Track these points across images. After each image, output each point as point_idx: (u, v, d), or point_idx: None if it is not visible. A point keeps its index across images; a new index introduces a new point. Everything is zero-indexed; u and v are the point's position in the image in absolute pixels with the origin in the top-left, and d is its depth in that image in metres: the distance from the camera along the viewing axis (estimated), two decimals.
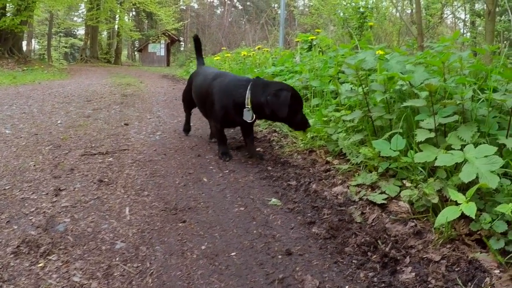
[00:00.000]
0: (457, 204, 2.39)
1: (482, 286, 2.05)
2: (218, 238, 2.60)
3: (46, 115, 6.86)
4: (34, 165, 3.95)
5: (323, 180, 3.62)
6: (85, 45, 44.06)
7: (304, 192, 3.41)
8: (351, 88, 4.60)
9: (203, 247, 2.46)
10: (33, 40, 55.06)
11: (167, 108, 8.20)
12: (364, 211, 2.96)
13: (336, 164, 3.91)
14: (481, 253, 2.32)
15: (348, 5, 15.64)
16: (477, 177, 2.43)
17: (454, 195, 2.42)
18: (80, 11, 54.89)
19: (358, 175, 3.48)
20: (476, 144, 2.70)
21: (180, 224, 2.77)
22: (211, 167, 4.12)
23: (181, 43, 58.17)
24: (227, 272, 2.19)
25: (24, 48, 33.57)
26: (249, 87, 4.11)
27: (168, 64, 45.09)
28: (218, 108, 4.31)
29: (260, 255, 2.38)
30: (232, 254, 2.39)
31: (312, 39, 9.26)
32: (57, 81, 15.10)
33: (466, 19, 32.16)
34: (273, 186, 3.58)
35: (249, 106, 4.07)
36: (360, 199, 3.13)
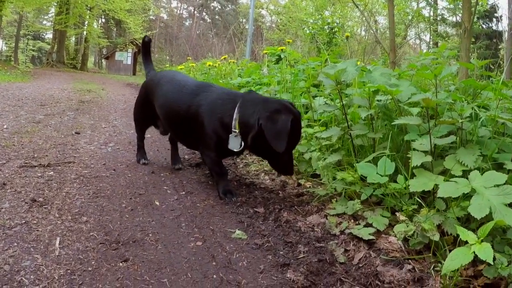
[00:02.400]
0: (464, 242, 1.98)
1: None
2: (167, 285, 2.05)
3: None
4: None
5: (296, 207, 3.15)
6: (52, 49, 44.13)
7: (274, 222, 2.91)
8: (325, 102, 4.28)
9: None
10: (0, 41, 54.86)
11: (125, 117, 7.84)
12: (348, 248, 2.48)
13: (310, 188, 3.52)
14: None
15: (317, 21, 16.02)
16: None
17: (464, 234, 1.97)
18: (49, 15, 54.85)
19: (337, 201, 3.05)
20: (480, 170, 2.38)
21: (121, 264, 2.19)
22: (165, 187, 3.61)
23: None
24: None
25: None
26: (238, 104, 3.23)
27: (134, 73, 44.95)
28: (211, 132, 3.39)
29: None
30: None
31: (280, 52, 9.29)
32: (17, 83, 14.78)
33: (429, 41, 33.46)
34: (237, 213, 3.08)
35: (237, 130, 3.20)
36: (342, 232, 2.66)
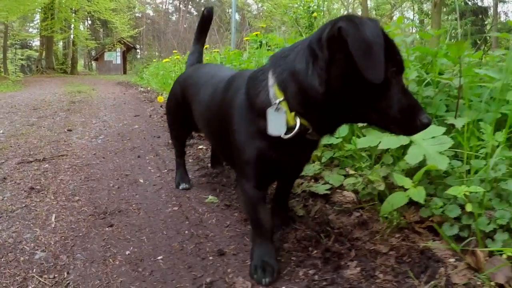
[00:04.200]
0: (404, 189, 2.25)
1: (436, 277, 1.89)
2: (145, 241, 2.39)
3: None
4: None
5: None
6: (41, 56, 43.57)
7: None
8: None
9: (127, 252, 2.26)
10: None
11: (115, 113, 8.11)
12: (307, 204, 2.80)
13: None
14: (433, 241, 2.18)
15: (300, 6, 15.98)
16: (425, 160, 2.28)
17: (401, 180, 2.27)
18: (35, 22, 54.23)
19: None
20: None
21: (107, 229, 2.56)
22: (149, 168, 3.94)
23: (137, 50, 58.14)
24: (150, 279, 1.98)
25: None
26: (268, 66, 1.91)
27: (124, 72, 44.76)
28: (243, 137, 2.04)
29: (190, 258, 2.18)
30: (159, 258, 2.19)
31: (261, 38, 9.12)
32: (9, 93, 14.86)
33: (415, 19, 33.38)
34: (212, 183, 3.40)
35: (279, 98, 1.78)
36: (303, 191, 2.97)
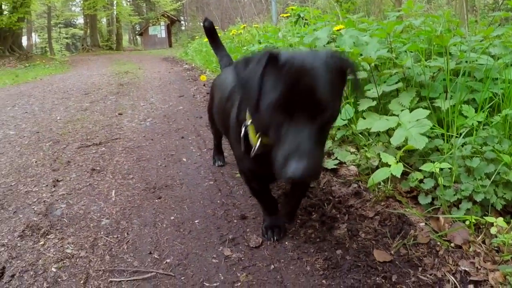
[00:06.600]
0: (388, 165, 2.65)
1: (407, 237, 2.40)
2: (186, 209, 3.03)
3: (46, 112, 7.23)
4: (35, 162, 4.36)
5: None
6: (85, 34, 43.84)
7: None
8: None
9: (172, 218, 2.91)
10: (33, 34, 54.72)
11: (161, 94, 8.50)
12: None
13: None
14: (413, 208, 2.63)
15: None
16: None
17: (385, 157, 2.68)
18: (77, 0, 54.60)
19: None
20: (412, 109, 2.92)
21: (156, 200, 3.21)
22: (191, 147, 4.51)
23: (181, 22, 57.82)
24: (188, 236, 2.63)
25: (25, 43, 33.39)
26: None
27: (170, 45, 44.90)
28: (238, 156, 2.45)
29: (219, 221, 2.82)
30: (196, 221, 2.83)
31: (299, 12, 8.86)
32: (58, 75, 15.28)
33: None
34: None
35: (248, 122, 2.01)
36: None
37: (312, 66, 1.59)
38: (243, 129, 2.05)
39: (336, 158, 3.46)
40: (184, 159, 4.14)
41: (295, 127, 1.55)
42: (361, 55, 3.54)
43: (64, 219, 3.00)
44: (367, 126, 3.02)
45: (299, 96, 1.55)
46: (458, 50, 3.37)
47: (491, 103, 2.93)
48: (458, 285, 2.01)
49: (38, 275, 2.34)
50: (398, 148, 2.88)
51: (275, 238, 2.52)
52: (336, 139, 3.71)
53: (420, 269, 2.16)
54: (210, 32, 3.71)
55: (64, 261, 2.46)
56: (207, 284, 2.17)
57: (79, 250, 2.56)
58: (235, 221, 2.80)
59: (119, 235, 2.71)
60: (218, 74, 3.59)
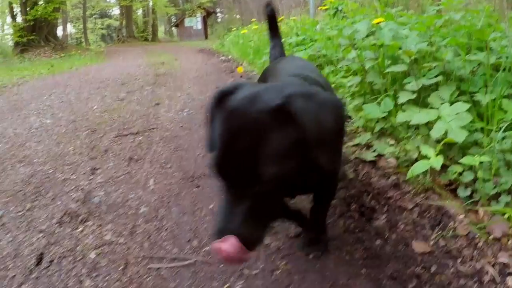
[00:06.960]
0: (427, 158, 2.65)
1: (446, 229, 2.39)
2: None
3: (83, 102, 7.29)
4: (73, 150, 4.44)
5: None
6: (121, 25, 44.36)
7: None
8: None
9: (210, 206, 2.93)
10: (68, 25, 55.20)
11: (197, 85, 8.46)
12: (357, 168, 3.33)
13: None
14: (452, 200, 2.61)
15: None
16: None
17: (425, 149, 2.68)
18: None
19: (359, 136, 3.79)
20: (453, 103, 2.91)
21: (195, 189, 3.25)
22: None
23: (218, 14, 57.99)
24: None
25: (60, 33, 33.68)
26: None
27: (206, 37, 44.73)
28: None
29: None
30: None
31: (337, 4, 8.65)
32: (94, 65, 15.55)
33: None
34: None
35: None
36: (356, 158, 3.49)
37: (250, 120, 1.32)
38: None
39: (374, 151, 3.45)
40: None
41: (226, 196, 1.36)
42: (400, 48, 3.54)
43: (102, 206, 3.07)
44: (407, 118, 3.03)
45: (229, 160, 1.32)
46: (498, 45, 3.32)
47: None
48: (496, 277, 2.00)
49: (77, 261, 2.41)
50: (438, 141, 2.83)
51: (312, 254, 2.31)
52: (375, 131, 3.68)
53: (459, 260, 2.16)
54: (272, 19, 3.50)
55: (103, 248, 2.52)
56: (246, 272, 2.19)
57: (118, 237, 2.62)
58: None
59: (157, 223, 2.75)
60: (268, 66, 3.19)
